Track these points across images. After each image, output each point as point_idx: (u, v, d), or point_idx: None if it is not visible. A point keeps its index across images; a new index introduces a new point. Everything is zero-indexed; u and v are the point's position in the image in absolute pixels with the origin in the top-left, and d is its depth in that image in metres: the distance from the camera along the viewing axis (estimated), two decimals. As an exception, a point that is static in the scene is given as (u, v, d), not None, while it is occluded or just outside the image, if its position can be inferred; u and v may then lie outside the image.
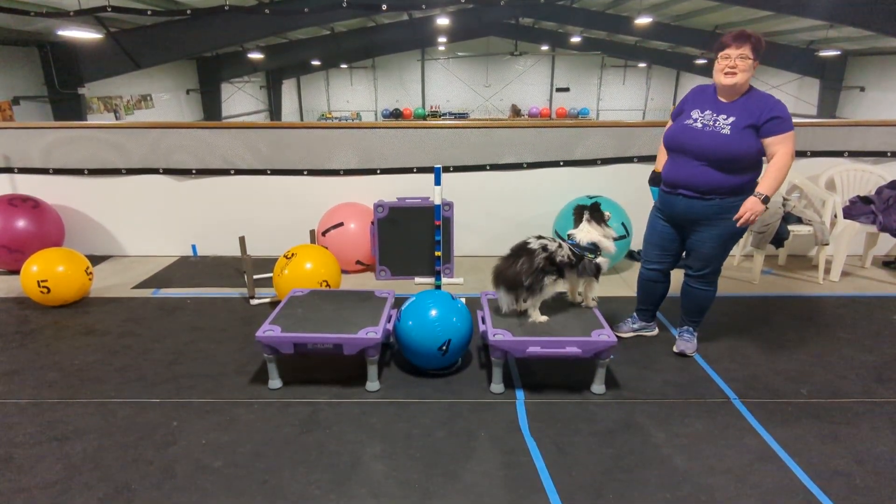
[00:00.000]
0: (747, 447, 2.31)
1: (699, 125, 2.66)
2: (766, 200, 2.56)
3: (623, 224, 4.07)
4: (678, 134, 2.74)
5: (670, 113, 2.95)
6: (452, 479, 2.13)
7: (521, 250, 2.74)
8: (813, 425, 2.46)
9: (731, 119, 2.60)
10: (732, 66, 2.55)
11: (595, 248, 2.86)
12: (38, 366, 2.94)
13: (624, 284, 4.08)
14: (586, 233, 2.88)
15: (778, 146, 2.55)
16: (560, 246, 2.76)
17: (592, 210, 2.93)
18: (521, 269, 2.68)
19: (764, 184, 2.58)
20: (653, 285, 3.10)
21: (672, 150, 2.79)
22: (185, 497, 2.03)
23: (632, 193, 4.47)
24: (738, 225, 2.60)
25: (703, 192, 2.67)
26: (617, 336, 2.75)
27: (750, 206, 2.55)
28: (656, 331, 3.30)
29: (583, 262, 2.82)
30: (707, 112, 2.67)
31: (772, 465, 2.21)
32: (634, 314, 3.27)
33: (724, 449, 2.30)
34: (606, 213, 2.98)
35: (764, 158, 2.65)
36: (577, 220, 2.95)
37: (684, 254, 2.98)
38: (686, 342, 3.06)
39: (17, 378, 2.82)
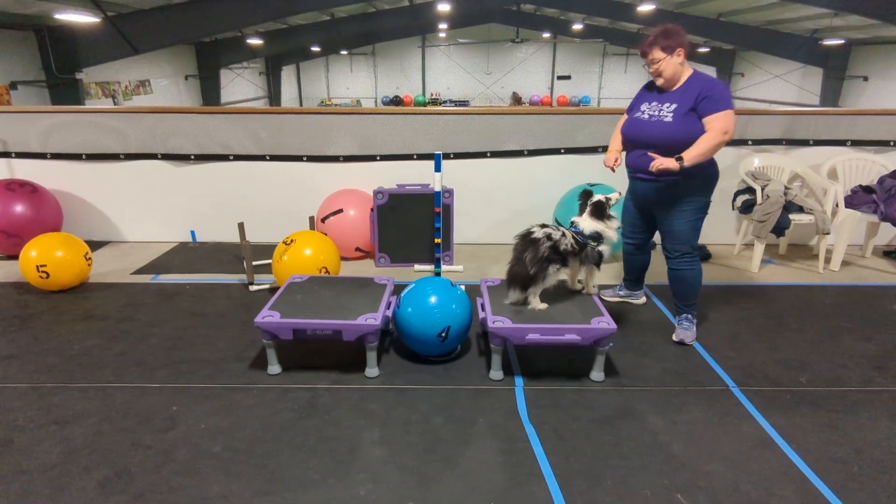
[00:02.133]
0: (746, 434, 2.32)
1: (646, 116, 2.87)
2: (679, 160, 2.66)
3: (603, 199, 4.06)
4: (631, 127, 2.96)
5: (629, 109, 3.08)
6: (451, 464, 2.14)
7: (527, 242, 2.72)
8: (811, 413, 2.46)
9: (674, 106, 2.78)
10: (655, 70, 2.79)
11: (598, 236, 2.85)
12: (38, 350, 2.94)
13: (624, 273, 4.07)
14: (589, 222, 2.87)
15: (710, 124, 2.70)
16: (564, 234, 2.75)
17: (596, 206, 2.91)
18: (527, 261, 2.68)
19: (688, 151, 2.69)
20: (630, 257, 3.39)
21: (627, 142, 3.00)
22: (184, 481, 2.04)
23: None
24: (652, 169, 2.74)
25: (657, 175, 2.82)
26: (602, 299, 2.94)
27: (663, 160, 2.69)
28: (643, 299, 3.56)
29: (585, 249, 2.81)
30: (654, 103, 2.87)
31: (770, 452, 2.22)
32: (622, 283, 3.57)
33: (722, 436, 2.31)
34: (615, 195, 2.98)
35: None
36: (583, 206, 2.96)
37: (659, 237, 3.13)
38: (685, 331, 3.06)
39: (17, 362, 2.82)
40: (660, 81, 2.82)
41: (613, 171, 3.03)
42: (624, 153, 3.07)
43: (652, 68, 2.79)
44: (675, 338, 3.07)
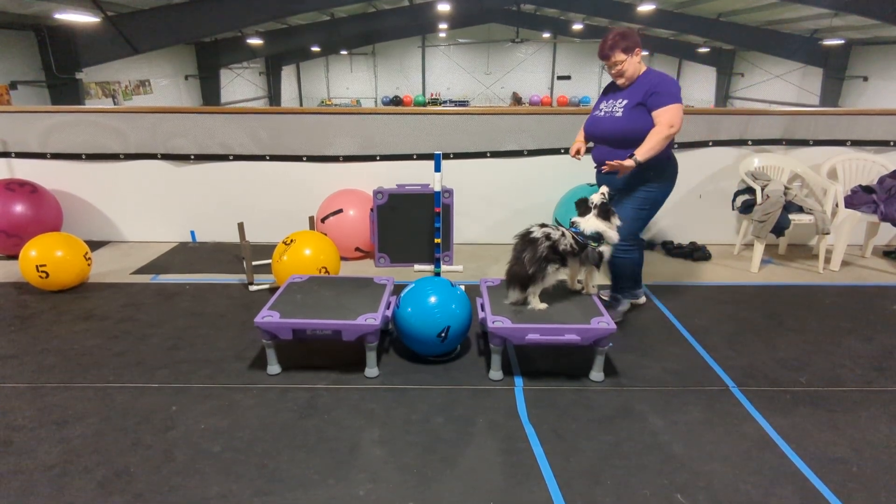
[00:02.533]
0: (745, 434, 2.32)
1: (602, 113, 3.03)
2: (632, 157, 2.78)
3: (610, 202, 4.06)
4: (591, 125, 3.11)
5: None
6: (451, 464, 2.14)
7: (526, 242, 2.72)
8: (811, 413, 2.46)
9: (625, 102, 2.92)
10: (618, 72, 2.92)
11: (598, 237, 2.85)
12: (37, 350, 2.94)
13: (624, 273, 4.07)
14: (591, 222, 2.87)
15: (659, 118, 2.83)
16: (563, 234, 2.75)
17: (602, 207, 2.91)
18: (526, 260, 2.68)
19: (640, 147, 2.81)
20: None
21: (588, 137, 3.17)
22: (183, 481, 2.04)
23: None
24: (603, 172, 2.92)
25: (599, 161, 3.01)
26: (602, 299, 3.06)
27: (618, 162, 2.80)
28: (643, 299, 3.54)
29: (586, 250, 2.81)
30: (610, 101, 3.01)
31: (769, 452, 2.22)
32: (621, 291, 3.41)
33: (722, 436, 2.31)
34: (602, 190, 2.98)
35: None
36: (582, 213, 2.94)
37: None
38: (610, 308, 3.16)
39: (16, 362, 2.82)
40: (621, 81, 2.95)
41: (578, 159, 3.20)
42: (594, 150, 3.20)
43: (614, 70, 2.92)
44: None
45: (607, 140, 3.00)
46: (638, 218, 3.06)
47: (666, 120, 2.80)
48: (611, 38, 2.87)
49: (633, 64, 2.90)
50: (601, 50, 2.91)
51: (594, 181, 4.29)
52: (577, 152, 3.17)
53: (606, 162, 2.83)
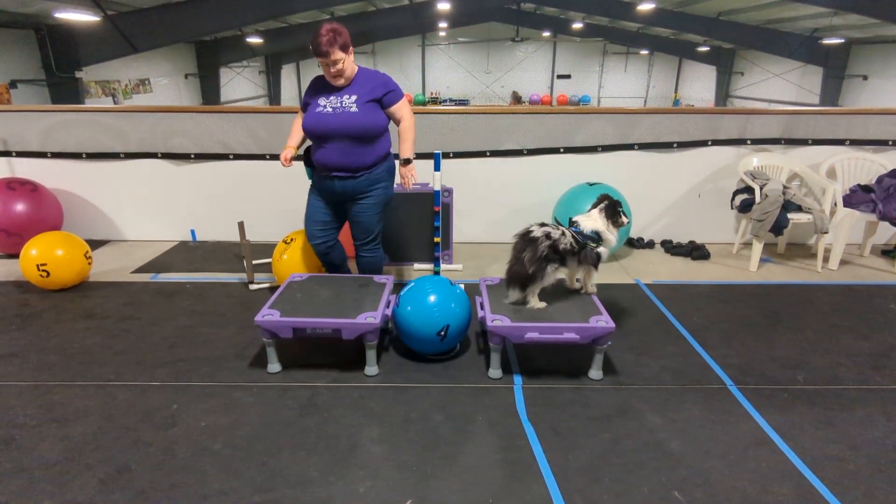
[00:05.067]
0: (742, 432, 2.33)
1: (330, 109, 2.89)
2: (409, 162, 2.97)
3: (620, 203, 4.07)
4: (318, 122, 2.91)
5: (303, 105, 3.04)
6: (450, 462, 2.15)
7: (526, 241, 2.72)
8: (808, 411, 2.48)
9: (355, 97, 2.88)
10: (337, 71, 2.81)
11: (597, 237, 2.85)
12: (38, 348, 2.95)
13: (623, 272, 4.09)
14: (592, 220, 2.87)
15: (400, 111, 2.96)
16: (563, 234, 2.76)
17: (610, 206, 2.91)
18: (526, 260, 2.68)
19: (404, 148, 2.98)
20: (326, 257, 3.28)
21: (317, 137, 2.96)
22: (184, 478, 2.05)
23: (632, 180, 4.47)
24: (409, 189, 3.05)
25: (353, 170, 2.95)
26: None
27: (405, 173, 2.99)
28: None
29: (585, 250, 2.82)
30: (333, 97, 2.90)
31: (766, 450, 2.23)
32: None
33: (719, 434, 2.32)
34: (623, 219, 2.95)
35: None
36: (596, 204, 2.96)
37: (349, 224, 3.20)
38: None
39: (17, 360, 2.84)
40: (341, 81, 2.86)
41: (288, 165, 3.00)
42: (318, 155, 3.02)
43: (334, 70, 2.80)
44: None
45: (345, 135, 2.87)
46: (380, 218, 3.13)
47: (408, 115, 2.97)
48: (325, 34, 2.71)
49: (350, 62, 2.84)
50: (318, 47, 2.72)
51: (593, 180, 4.32)
52: (287, 159, 2.98)
53: (407, 182, 2.98)
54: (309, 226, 3.17)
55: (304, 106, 3.02)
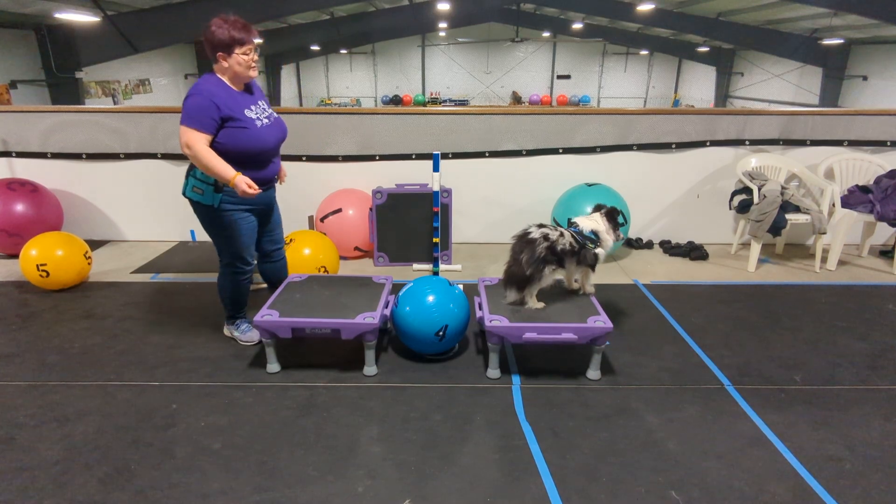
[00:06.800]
0: (740, 432, 2.34)
1: (266, 121, 2.67)
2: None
3: (621, 212, 4.08)
4: (266, 136, 2.64)
5: (211, 124, 2.49)
6: (448, 461, 2.16)
7: (523, 243, 2.73)
8: (805, 411, 2.49)
9: (262, 102, 2.74)
10: (256, 59, 2.57)
11: (595, 238, 2.87)
12: (39, 348, 2.96)
13: (622, 272, 4.10)
14: (591, 221, 2.89)
15: None
16: (562, 235, 2.77)
17: (611, 213, 2.93)
18: (523, 262, 2.69)
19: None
20: (268, 275, 3.17)
21: (259, 154, 2.64)
22: (184, 477, 2.06)
23: (630, 181, 4.48)
24: (282, 183, 2.99)
25: (274, 178, 2.89)
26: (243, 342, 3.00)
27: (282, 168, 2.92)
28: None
29: (583, 251, 2.83)
30: (254, 107, 2.63)
31: (764, 450, 2.24)
32: (243, 321, 3.05)
33: (717, 434, 2.33)
34: (619, 234, 2.99)
35: None
36: (596, 209, 3.00)
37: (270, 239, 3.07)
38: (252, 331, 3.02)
39: (18, 360, 2.85)
40: (255, 73, 2.59)
41: (254, 193, 2.53)
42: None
43: (254, 56, 2.53)
44: (247, 339, 3.02)
45: (281, 143, 2.77)
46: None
47: None
48: (239, 22, 2.50)
49: None
50: (244, 29, 2.49)
51: (592, 181, 4.33)
52: (252, 185, 2.52)
53: (284, 175, 2.95)
54: (245, 253, 2.84)
55: (221, 125, 2.50)
